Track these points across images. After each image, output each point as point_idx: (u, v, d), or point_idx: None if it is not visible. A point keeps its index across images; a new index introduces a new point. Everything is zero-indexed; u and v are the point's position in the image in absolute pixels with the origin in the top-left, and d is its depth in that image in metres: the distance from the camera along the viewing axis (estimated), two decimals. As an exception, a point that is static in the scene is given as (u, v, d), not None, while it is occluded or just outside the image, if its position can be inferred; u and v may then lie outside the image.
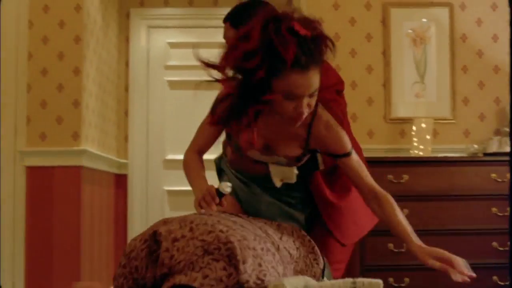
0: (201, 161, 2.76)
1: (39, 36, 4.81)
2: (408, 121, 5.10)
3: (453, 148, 5.09)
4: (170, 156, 6.35)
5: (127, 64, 6.43)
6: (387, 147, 5.09)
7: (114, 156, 6.09)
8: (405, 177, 4.59)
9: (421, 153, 4.89)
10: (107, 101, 5.80)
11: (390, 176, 4.57)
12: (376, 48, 5.19)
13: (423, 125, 4.90)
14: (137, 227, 6.27)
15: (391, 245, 4.55)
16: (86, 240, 4.94)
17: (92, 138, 5.15)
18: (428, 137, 4.91)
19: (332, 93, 2.91)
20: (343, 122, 2.80)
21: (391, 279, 4.57)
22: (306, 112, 2.34)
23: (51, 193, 4.77)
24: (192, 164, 2.74)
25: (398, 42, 5.22)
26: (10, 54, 4.83)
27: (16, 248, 4.75)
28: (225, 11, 6.40)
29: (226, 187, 2.40)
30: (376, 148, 5.05)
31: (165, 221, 2.23)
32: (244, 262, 2.04)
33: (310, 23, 2.35)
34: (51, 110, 4.80)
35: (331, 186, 2.91)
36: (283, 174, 2.73)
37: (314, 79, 2.27)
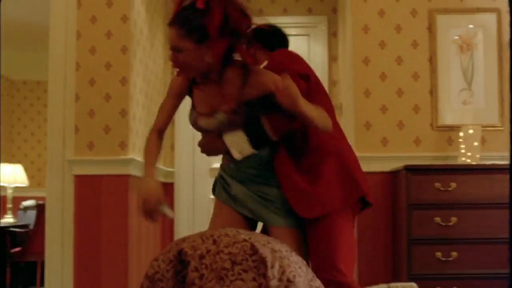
0: (159, 143, 3.26)
1: (87, 46, 4.88)
2: (455, 128, 5.05)
3: (502, 156, 5.02)
4: (215, 165, 6.37)
5: (172, 73, 6.47)
6: (434, 154, 5.04)
7: (161, 165, 6.13)
8: (453, 185, 4.54)
9: (468, 161, 4.83)
10: (153, 111, 5.84)
11: (437, 184, 4.52)
12: (422, 55, 5.15)
13: (471, 132, 4.85)
14: (184, 235, 6.29)
15: (438, 254, 4.50)
16: (133, 248, 4.98)
17: (139, 147, 5.20)
18: (476, 144, 4.85)
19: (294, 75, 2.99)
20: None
21: (439, 288, 4.53)
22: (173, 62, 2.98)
23: (99, 202, 4.82)
24: (149, 147, 3.22)
25: (445, 49, 5.17)
26: (58, 65, 4.90)
27: (65, 256, 4.81)
28: (293, 19, 6.46)
29: (168, 211, 2.92)
30: (423, 155, 5.01)
31: (184, 238, 2.23)
32: (272, 267, 2.04)
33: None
34: (98, 119, 4.85)
35: (299, 167, 3.05)
36: (237, 145, 3.03)
37: (172, 35, 2.90)
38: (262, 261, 2.04)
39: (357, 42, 5.13)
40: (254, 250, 2.07)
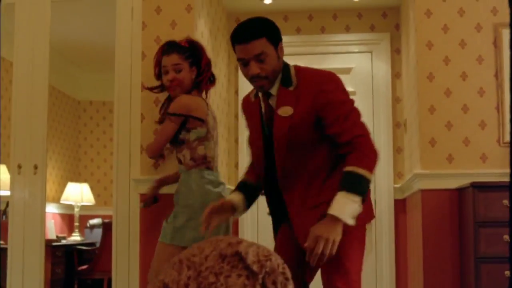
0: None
1: (151, 67, 4.93)
2: (523, 144, 4.95)
3: None
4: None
5: (236, 92, 6.53)
6: (502, 171, 4.95)
7: (225, 183, 6.16)
8: (521, 202, 4.45)
9: (537, 177, 4.73)
10: (217, 129, 5.89)
11: (505, 202, 4.45)
12: (488, 70, 5.07)
13: (539, 148, 4.75)
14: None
15: (507, 272, 4.41)
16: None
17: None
18: (544, 160, 4.75)
19: None
20: None
21: (508, 308, 4.44)
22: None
23: (163, 219, 4.87)
24: None
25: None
26: (124, 85, 4.99)
27: (131, 273, 4.87)
28: (331, 37, 6.45)
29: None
30: (490, 172, 4.92)
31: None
32: (246, 254, 2.14)
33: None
34: (163, 138, 4.90)
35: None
36: None
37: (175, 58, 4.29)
38: (238, 256, 2.13)
39: (421, 58, 5.09)
40: (224, 254, 2.15)
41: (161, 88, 4.46)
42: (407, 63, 5.85)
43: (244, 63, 3.11)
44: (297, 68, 3.22)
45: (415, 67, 5.18)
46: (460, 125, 5.00)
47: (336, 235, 2.87)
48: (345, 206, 2.88)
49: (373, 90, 6.34)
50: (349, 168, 2.95)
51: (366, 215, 3.12)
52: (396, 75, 6.37)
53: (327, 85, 3.09)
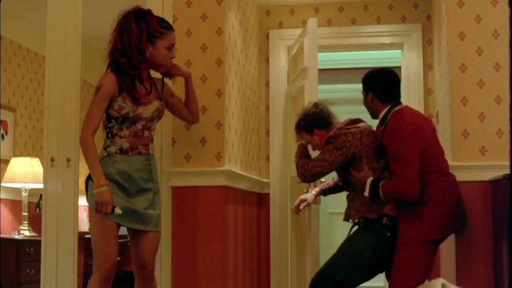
0: (94, 143, 3.84)
1: (183, 59, 4.96)
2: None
3: None
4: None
5: (267, 84, 6.52)
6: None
7: (256, 175, 6.18)
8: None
9: None
10: (248, 122, 5.90)
11: (539, 193, 4.39)
12: (521, 61, 5.01)
13: None
14: (279, 244, 6.32)
15: (542, 265, 4.37)
16: (230, 258, 5.03)
17: (235, 159, 5.25)
18: None
19: None
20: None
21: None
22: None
23: (196, 212, 4.89)
24: (91, 147, 3.81)
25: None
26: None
27: (163, 265, 4.89)
28: (363, 29, 6.43)
29: (119, 210, 3.77)
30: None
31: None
32: None
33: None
34: (195, 131, 4.92)
35: None
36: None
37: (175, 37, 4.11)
38: None
39: (453, 49, 5.04)
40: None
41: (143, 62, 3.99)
42: (439, 54, 5.80)
43: None
44: (396, 112, 4.34)
45: (447, 58, 5.13)
46: (493, 116, 4.94)
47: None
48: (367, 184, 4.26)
49: (404, 82, 6.29)
50: (381, 182, 4.18)
51: (425, 232, 4.13)
52: (427, 66, 6.32)
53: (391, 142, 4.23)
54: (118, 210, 3.78)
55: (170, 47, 4.05)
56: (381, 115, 4.36)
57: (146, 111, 3.95)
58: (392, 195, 4.14)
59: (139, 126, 3.95)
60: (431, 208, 4.14)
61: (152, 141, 4.09)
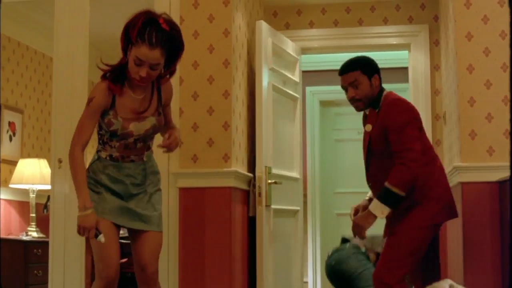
0: (83, 159, 3.54)
1: (190, 61, 4.97)
2: None
3: None
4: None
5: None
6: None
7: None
8: None
9: None
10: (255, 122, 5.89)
11: (547, 194, 4.38)
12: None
13: None
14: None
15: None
16: (237, 259, 5.03)
17: (242, 160, 5.25)
18: None
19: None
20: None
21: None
22: (146, 77, 3.40)
23: (203, 213, 4.90)
24: (79, 166, 3.49)
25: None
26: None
27: (170, 266, 4.90)
28: (370, 30, 6.42)
29: (102, 238, 3.47)
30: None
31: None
32: None
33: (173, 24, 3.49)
34: (202, 132, 4.93)
35: None
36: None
37: (158, 55, 3.38)
38: None
39: (460, 49, 5.03)
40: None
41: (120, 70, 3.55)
42: (446, 55, 5.79)
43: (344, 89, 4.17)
44: (387, 94, 4.09)
45: (454, 59, 5.12)
46: (501, 117, 4.93)
47: (365, 223, 3.94)
48: (376, 208, 3.88)
49: (412, 82, 6.28)
50: (387, 185, 3.84)
51: (425, 217, 3.91)
52: (435, 67, 6.31)
53: (393, 115, 3.96)
54: (101, 238, 3.48)
55: (139, 63, 3.39)
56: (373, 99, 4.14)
57: (138, 128, 3.55)
58: (405, 180, 3.83)
59: (130, 140, 3.58)
60: (437, 191, 4.02)
61: (148, 148, 3.71)
